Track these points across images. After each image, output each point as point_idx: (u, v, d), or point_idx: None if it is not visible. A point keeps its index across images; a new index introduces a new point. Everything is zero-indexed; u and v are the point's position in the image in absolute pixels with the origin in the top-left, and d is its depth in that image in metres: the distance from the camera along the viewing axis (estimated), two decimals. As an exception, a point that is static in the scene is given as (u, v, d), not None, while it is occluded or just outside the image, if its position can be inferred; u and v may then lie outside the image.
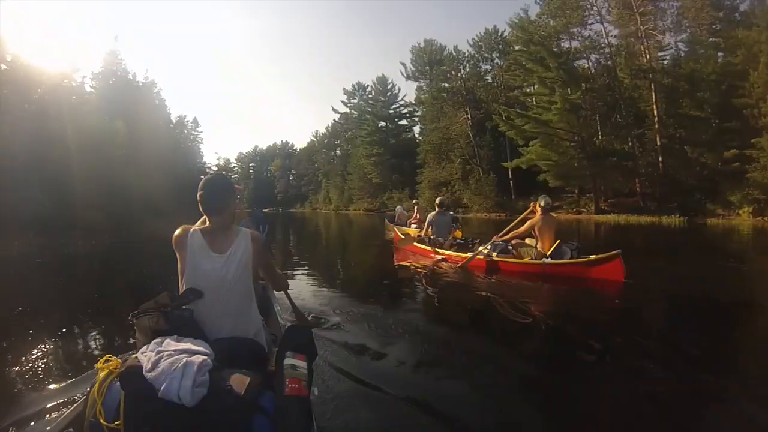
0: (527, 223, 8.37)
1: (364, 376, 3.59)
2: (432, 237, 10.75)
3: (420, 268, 9.54)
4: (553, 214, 8.56)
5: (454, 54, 53.63)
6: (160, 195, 35.92)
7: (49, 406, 2.96)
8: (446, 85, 52.89)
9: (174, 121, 60.46)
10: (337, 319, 5.44)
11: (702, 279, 8.36)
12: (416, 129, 68.77)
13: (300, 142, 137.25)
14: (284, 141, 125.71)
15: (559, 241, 8.11)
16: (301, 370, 2.21)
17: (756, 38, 29.04)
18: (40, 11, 47.26)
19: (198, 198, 2.53)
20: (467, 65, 52.74)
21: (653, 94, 35.03)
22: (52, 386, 3.41)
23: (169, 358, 1.95)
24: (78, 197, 25.58)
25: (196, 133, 68.82)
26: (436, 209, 11.19)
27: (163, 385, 1.86)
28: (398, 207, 23.00)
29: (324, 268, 11.32)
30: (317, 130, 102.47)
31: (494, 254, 8.67)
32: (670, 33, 37.34)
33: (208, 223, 2.60)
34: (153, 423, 1.88)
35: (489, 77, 52.05)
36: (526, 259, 8.22)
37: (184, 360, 1.93)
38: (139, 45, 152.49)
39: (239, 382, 1.99)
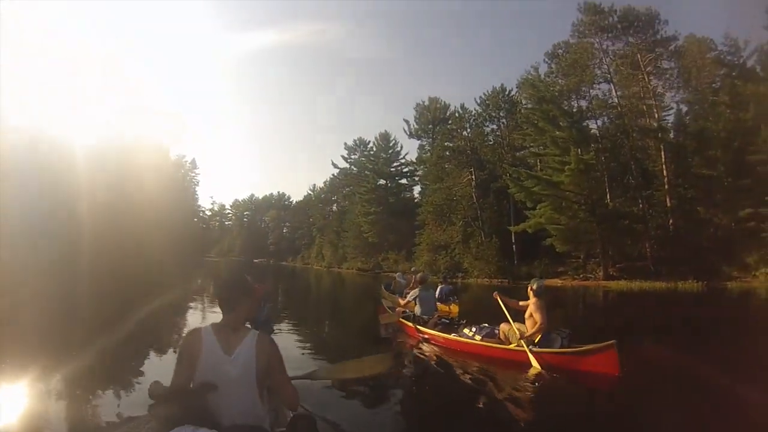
0: (528, 309, 7.90)
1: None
2: (416, 314, 10.48)
3: (404, 344, 9.82)
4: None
5: (461, 112, 52.33)
6: (151, 235, 34.62)
7: None
8: (450, 144, 51.36)
9: (172, 160, 59.33)
10: (325, 398, 5.51)
11: (716, 369, 7.41)
12: (416, 189, 67.63)
13: (296, 194, 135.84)
14: (281, 192, 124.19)
15: (547, 329, 7.68)
16: None
17: (765, 93, 28.69)
18: (41, 11, 46.27)
19: (215, 294, 2.35)
20: (473, 123, 51.39)
21: (662, 153, 34.25)
22: None
23: None
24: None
25: (193, 174, 67.09)
26: (418, 286, 10.96)
27: None
28: (398, 274, 21.11)
29: (311, 336, 11.43)
30: (315, 184, 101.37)
31: (478, 338, 8.45)
32: (672, 93, 37.37)
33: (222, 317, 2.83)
34: None
35: (495, 137, 51.05)
36: (512, 345, 7.87)
37: None
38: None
39: None
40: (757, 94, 29.41)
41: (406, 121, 66.43)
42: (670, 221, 33.51)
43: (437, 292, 14.37)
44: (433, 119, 62.81)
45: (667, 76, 36.54)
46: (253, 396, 2.70)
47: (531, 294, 7.87)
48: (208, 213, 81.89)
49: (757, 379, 6.95)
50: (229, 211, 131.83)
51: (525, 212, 37.50)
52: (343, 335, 12.38)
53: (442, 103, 63.71)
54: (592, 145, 35.33)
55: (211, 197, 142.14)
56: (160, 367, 6.91)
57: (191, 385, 2.66)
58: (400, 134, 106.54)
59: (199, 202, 72.57)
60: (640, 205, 35.21)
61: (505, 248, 41.27)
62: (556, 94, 38.24)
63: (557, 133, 35.04)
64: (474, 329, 8.68)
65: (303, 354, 8.67)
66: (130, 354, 8.02)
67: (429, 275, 15.06)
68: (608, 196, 35.98)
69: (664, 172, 33.95)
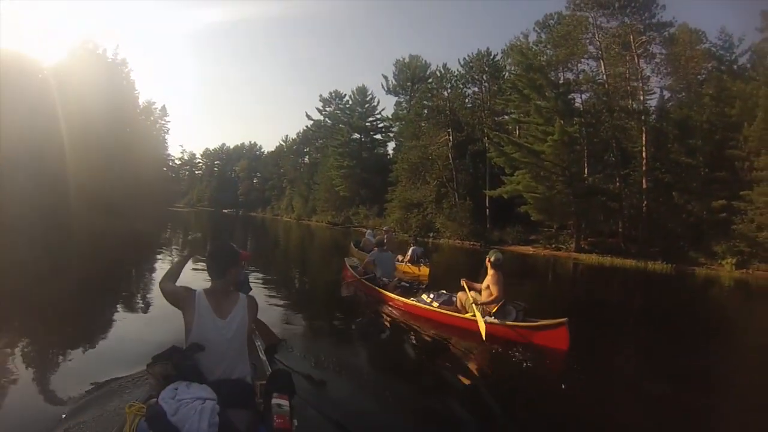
0: (485, 283, 7.92)
1: (333, 410, 4.09)
2: (377, 276, 10.58)
3: (364, 305, 9.91)
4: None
5: (442, 71, 51.03)
6: (116, 188, 33.08)
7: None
8: (428, 103, 50.55)
9: (141, 107, 56.81)
10: (298, 353, 6.02)
11: (661, 359, 7.68)
12: (390, 145, 67.20)
13: (268, 145, 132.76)
14: (252, 142, 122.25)
15: (503, 300, 7.69)
16: (285, 408, 2.82)
17: (753, 92, 28.91)
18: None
19: (206, 263, 3.12)
20: (456, 84, 50.19)
21: (643, 136, 34.40)
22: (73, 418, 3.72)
23: (187, 405, 2.46)
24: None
25: (163, 121, 64.49)
26: (375, 249, 11.20)
27: (186, 426, 2.37)
28: (368, 231, 20.71)
29: (280, 291, 11.14)
30: (287, 135, 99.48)
31: (435, 304, 8.48)
32: (658, 77, 37.23)
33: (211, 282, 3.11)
34: None
35: (475, 100, 50.09)
36: (468, 315, 7.88)
37: (200, 406, 2.46)
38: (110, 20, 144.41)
39: (240, 419, 2.63)
40: (745, 92, 29.70)
41: (385, 77, 65.64)
42: (644, 202, 33.87)
43: (409, 253, 14.87)
44: (412, 77, 62.27)
45: (657, 60, 36.37)
46: (242, 353, 3.06)
47: (489, 266, 7.91)
48: (178, 162, 79.23)
49: (708, 366, 7.34)
50: (200, 160, 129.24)
51: (502, 177, 37.27)
52: (311, 291, 12.44)
53: (423, 61, 63.05)
54: (575, 118, 35.14)
55: (181, 146, 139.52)
56: (140, 323, 7.28)
57: (184, 346, 2.93)
58: (377, 90, 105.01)
59: (169, 151, 69.29)
60: (617, 184, 35.35)
61: (479, 212, 41.34)
62: (544, 63, 37.76)
63: (542, 102, 34.78)
64: (432, 295, 8.72)
65: (271, 307, 8.75)
66: (109, 311, 7.90)
67: (387, 237, 15.72)
68: (586, 171, 36.03)
69: (644, 154, 34.16)
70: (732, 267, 26.72)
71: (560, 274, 23.57)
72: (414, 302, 8.90)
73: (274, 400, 2.83)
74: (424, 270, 13.46)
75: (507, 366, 6.53)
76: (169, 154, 69.21)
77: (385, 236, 16.49)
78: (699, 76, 35.59)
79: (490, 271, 7.83)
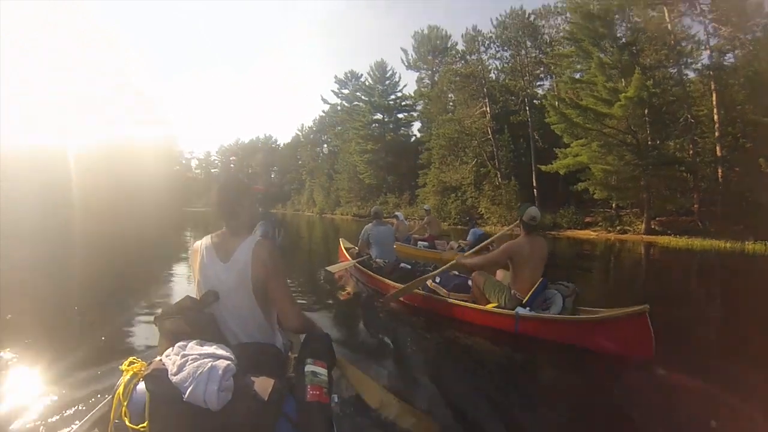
0: (502, 247, 5.42)
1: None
2: (372, 258, 8.43)
3: (358, 295, 7.73)
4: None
5: (473, 33, 46.20)
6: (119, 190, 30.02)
7: (71, 406, 2.99)
8: (461, 69, 45.45)
9: None
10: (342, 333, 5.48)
11: None
12: (415, 126, 63.16)
13: (284, 137, 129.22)
14: (267, 134, 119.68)
15: (542, 278, 5.13)
16: (322, 377, 2.23)
17: None
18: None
19: (212, 205, 2.59)
20: (490, 47, 45.68)
21: (714, 95, 29.63)
22: (73, 386, 3.47)
23: (195, 362, 1.96)
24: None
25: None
26: (371, 223, 8.76)
27: (189, 389, 1.87)
28: (397, 214, 16.69)
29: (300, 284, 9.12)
30: (303, 124, 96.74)
31: (444, 292, 6.17)
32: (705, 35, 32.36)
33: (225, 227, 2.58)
34: (178, 426, 1.87)
35: (511, 64, 45.12)
36: (491, 306, 5.40)
37: (210, 364, 1.94)
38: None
39: (263, 387, 2.00)
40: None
41: (404, 51, 62.41)
42: (719, 172, 29.25)
43: (468, 236, 12.89)
44: (433, 49, 58.88)
45: (710, 17, 31.62)
46: (252, 306, 2.44)
47: (521, 228, 5.46)
48: (190, 158, 74.99)
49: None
50: (215, 158, 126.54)
51: (555, 151, 33.18)
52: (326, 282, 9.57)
53: (444, 32, 59.38)
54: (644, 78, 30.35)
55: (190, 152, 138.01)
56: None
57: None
58: (397, 66, 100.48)
59: (180, 149, 65.05)
60: (691, 152, 30.89)
61: (524, 193, 37.28)
62: (604, 10, 32.76)
63: (605, 56, 30.60)
64: (438, 279, 6.47)
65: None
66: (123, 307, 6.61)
67: (429, 219, 14.74)
68: (649, 139, 31.13)
69: (715, 117, 29.59)
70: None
71: (634, 260, 18.98)
72: (416, 291, 6.59)
73: (308, 367, 2.21)
74: None
75: (556, 386, 4.24)
76: (181, 151, 65.02)
77: (426, 218, 14.99)
78: (749, 35, 30.73)
79: (525, 238, 5.35)
